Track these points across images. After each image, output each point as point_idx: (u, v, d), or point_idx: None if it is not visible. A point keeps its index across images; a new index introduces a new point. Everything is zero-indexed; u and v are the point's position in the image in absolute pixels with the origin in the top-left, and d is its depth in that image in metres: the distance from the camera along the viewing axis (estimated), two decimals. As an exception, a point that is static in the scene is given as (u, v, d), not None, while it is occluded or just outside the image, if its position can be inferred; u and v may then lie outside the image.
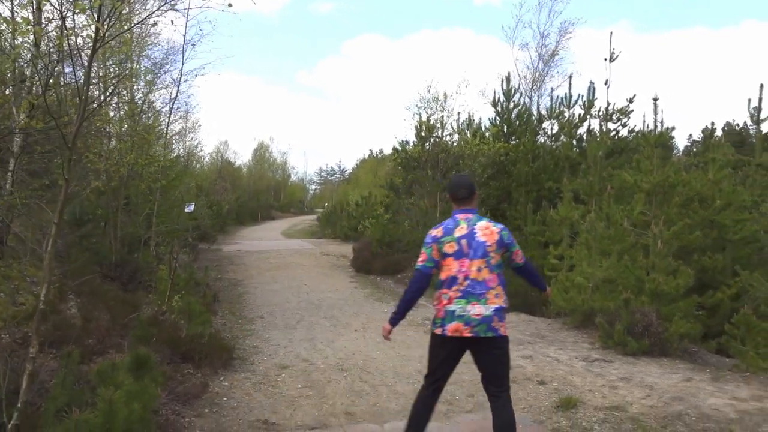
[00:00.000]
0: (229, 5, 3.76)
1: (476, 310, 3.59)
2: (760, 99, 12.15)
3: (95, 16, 3.44)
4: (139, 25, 9.30)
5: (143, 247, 11.31)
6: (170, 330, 6.32)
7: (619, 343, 7.18)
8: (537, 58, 21.94)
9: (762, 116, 12.14)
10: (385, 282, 13.27)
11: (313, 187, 78.48)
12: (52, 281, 7.06)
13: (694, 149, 27.49)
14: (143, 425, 3.38)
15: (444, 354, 3.75)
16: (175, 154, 17.69)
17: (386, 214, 18.18)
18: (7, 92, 7.40)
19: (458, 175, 4.08)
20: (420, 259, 3.75)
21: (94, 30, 3.37)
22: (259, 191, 47.34)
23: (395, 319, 3.82)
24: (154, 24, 11.05)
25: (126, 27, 7.17)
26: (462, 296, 3.61)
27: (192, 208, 15.62)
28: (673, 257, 7.86)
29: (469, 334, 3.58)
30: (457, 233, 3.69)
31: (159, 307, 7.55)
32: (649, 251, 7.89)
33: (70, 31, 4.23)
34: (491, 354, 3.67)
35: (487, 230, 3.72)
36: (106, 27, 3.41)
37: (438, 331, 3.68)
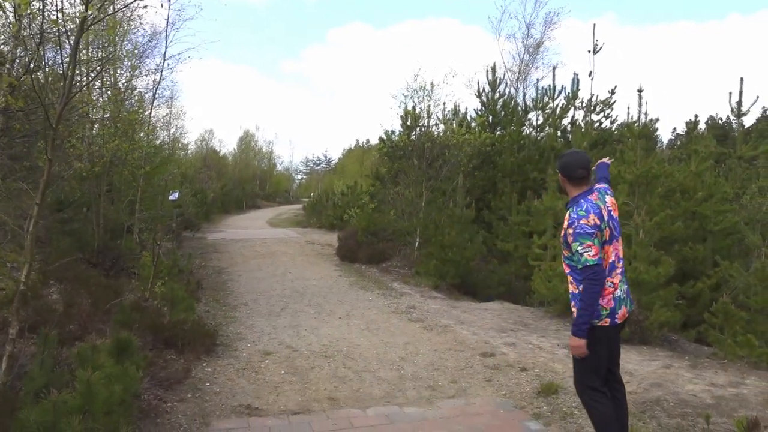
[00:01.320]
0: None
1: (626, 287, 3.53)
2: (741, 93, 12.29)
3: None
4: (128, 8, 9.16)
5: (126, 234, 11.22)
6: (153, 316, 6.29)
7: (600, 331, 7.24)
8: (523, 48, 21.98)
9: (743, 110, 12.29)
10: (370, 270, 13.28)
11: (299, 176, 78.28)
12: (35, 266, 6.99)
13: (678, 142, 27.77)
14: (124, 408, 3.36)
15: (609, 345, 3.50)
16: (159, 141, 17.53)
17: (372, 204, 18.17)
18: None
19: (573, 152, 3.64)
20: (592, 253, 3.30)
21: (81, 11, 3.32)
22: (244, 180, 47.05)
23: (585, 328, 3.34)
24: (145, 7, 10.86)
25: (114, 9, 7.08)
26: (621, 279, 3.48)
27: (176, 195, 15.48)
28: (655, 247, 7.94)
29: (628, 314, 3.50)
30: (605, 216, 3.42)
31: (142, 293, 7.51)
32: (632, 241, 7.96)
33: (54, 13, 4.17)
34: (622, 329, 3.59)
35: (614, 204, 3.56)
36: (95, 8, 3.36)
37: (606, 322, 3.39)
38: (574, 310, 3.49)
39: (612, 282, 3.42)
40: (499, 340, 7.30)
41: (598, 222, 3.35)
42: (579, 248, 3.33)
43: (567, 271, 3.59)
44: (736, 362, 6.41)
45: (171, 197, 14.76)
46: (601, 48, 12.71)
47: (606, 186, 3.67)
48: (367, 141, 55.58)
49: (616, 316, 3.41)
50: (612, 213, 3.49)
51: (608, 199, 3.54)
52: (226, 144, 72.63)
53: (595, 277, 3.29)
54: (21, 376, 3.67)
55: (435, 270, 11.83)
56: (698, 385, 5.53)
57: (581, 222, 3.34)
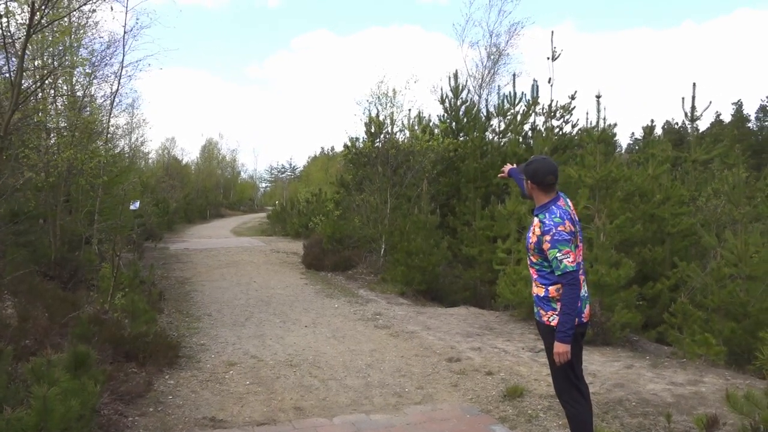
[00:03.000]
0: None
1: (586, 287, 3.60)
2: (693, 97, 12.68)
3: (29, 2, 3.30)
4: (77, 11, 8.95)
5: (85, 245, 10.94)
6: (113, 329, 6.12)
7: (564, 333, 7.33)
8: (486, 56, 22.21)
9: (696, 114, 12.65)
10: (336, 278, 13.23)
11: (264, 184, 77.61)
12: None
13: (636, 147, 28.42)
14: (82, 424, 3.26)
15: (578, 345, 3.56)
16: (119, 150, 17.17)
17: (337, 211, 18.12)
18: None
19: (540, 158, 3.64)
20: (570, 259, 3.36)
21: (28, 14, 3.23)
22: (207, 189, 46.46)
23: (571, 333, 3.37)
24: (93, 11, 10.59)
25: (63, 13, 6.91)
26: (584, 280, 3.58)
27: (137, 205, 15.17)
28: (616, 249, 8.09)
29: (590, 315, 3.56)
30: (574, 220, 3.53)
31: (101, 305, 7.31)
32: (593, 244, 8.10)
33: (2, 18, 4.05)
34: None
35: (574, 208, 3.65)
36: (43, 12, 3.27)
37: (575, 322, 3.44)
38: (542, 312, 3.57)
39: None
40: (465, 344, 7.33)
41: (573, 228, 3.45)
42: (558, 255, 3.38)
43: (534, 276, 3.64)
44: (695, 361, 6.57)
45: (132, 207, 14.45)
46: (559, 55, 12.96)
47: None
48: (332, 148, 55.55)
49: (583, 315, 3.52)
50: (575, 217, 3.60)
51: (570, 203, 3.64)
52: (189, 152, 71.60)
53: (574, 282, 3.36)
54: (-28, 394, 3.53)
55: (401, 276, 11.84)
56: (659, 385, 5.64)
57: (559, 229, 3.39)
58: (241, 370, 6.16)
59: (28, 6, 3.02)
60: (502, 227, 11.71)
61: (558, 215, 3.44)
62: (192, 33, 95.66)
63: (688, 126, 14.05)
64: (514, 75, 16.19)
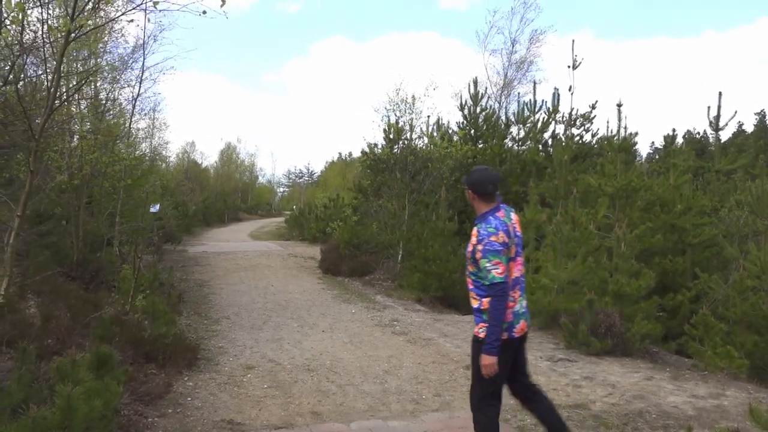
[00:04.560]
0: (204, 12, 3.66)
1: (525, 302, 3.64)
2: (719, 107, 12.53)
3: (68, 10, 3.36)
4: (114, 21, 9.11)
5: (106, 247, 11.08)
6: (133, 330, 6.20)
7: (582, 343, 7.29)
8: (507, 63, 22.23)
9: (721, 124, 12.51)
10: (353, 283, 13.24)
11: (282, 189, 77.98)
12: (12, 280, 6.87)
13: (656, 156, 28.17)
14: (104, 423, 3.30)
15: (508, 358, 3.55)
16: (140, 153, 17.37)
17: (354, 216, 18.16)
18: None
19: (481, 168, 3.68)
20: (499, 270, 3.35)
21: (66, 23, 3.29)
22: (226, 193, 46.77)
23: (496, 345, 3.39)
24: (131, 21, 10.87)
25: (101, 22, 7.03)
26: (521, 294, 3.59)
27: (157, 208, 15.36)
28: (636, 259, 8.02)
29: (527, 329, 3.61)
30: (512, 233, 3.52)
31: (122, 306, 7.40)
32: (613, 254, 8.04)
33: (36, 24, 4.13)
34: (524, 345, 3.70)
35: (518, 222, 3.67)
36: (81, 21, 3.33)
37: (504, 336, 3.44)
38: (475, 324, 3.60)
39: (513, 297, 3.50)
40: (483, 352, 7.29)
41: (506, 239, 3.44)
42: (487, 265, 3.38)
43: (470, 286, 3.64)
44: (717, 374, 6.48)
45: (152, 210, 14.63)
46: (580, 63, 12.90)
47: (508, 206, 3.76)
48: (350, 154, 55.70)
49: (514, 330, 3.52)
50: (516, 230, 3.59)
51: (513, 216, 3.64)
52: (208, 156, 72.06)
53: (501, 294, 3.36)
54: (-3, 392, 3.59)
55: (418, 283, 11.83)
56: (680, 397, 5.57)
57: (491, 239, 3.40)
58: (258, 373, 6.19)
59: (68, 15, 3.08)
60: (520, 235, 11.65)
61: (493, 225, 3.45)
62: (211, 38, 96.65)
63: (711, 135, 13.91)
64: (534, 83, 16.19)
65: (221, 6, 3.15)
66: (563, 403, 5.30)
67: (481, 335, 3.49)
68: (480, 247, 3.43)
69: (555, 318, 8.45)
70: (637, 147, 14.07)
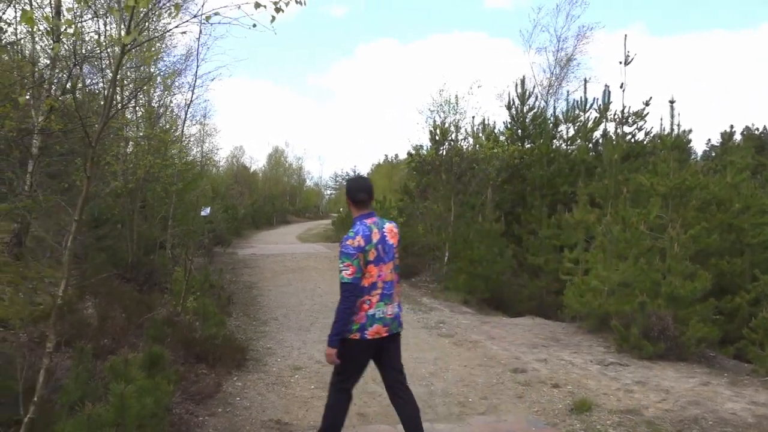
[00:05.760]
0: (254, 26, 3.72)
1: (390, 310, 3.77)
2: (780, 102, 11.97)
3: (125, 21, 3.48)
4: (169, 33, 9.41)
5: (159, 250, 11.40)
6: (185, 330, 6.36)
7: (634, 346, 7.10)
8: (554, 61, 21.83)
9: (781, 119, 11.98)
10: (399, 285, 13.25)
11: (329, 191, 78.57)
12: (71, 282, 7.15)
13: (713, 154, 27.22)
14: (156, 421, 3.40)
15: (362, 357, 3.80)
16: (191, 158, 17.81)
17: (400, 218, 18.18)
18: (27, 96, 7.52)
19: (357, 178, 4.10)
20: (348, 272, 3.57)
21: (123, 35, 3.40)
22: (274, 196, 47.50)
23: (336, 339, 3.63)
24: (184, 32, 11.23)
25: (156, 34, 7.27)
26: (380, 299, 3.71)
27: (208, 211, 15.68)
28: (691, 261, 7.77)
29: (386, 334, 3.74)
30: (374, 239, 3.69)
31: (174, 308, 7.60)
32: (666, 255, 7.80)
33: (94, 35, 4.28)
34: (396, 347, 3.91)
35: (392, 232, 3.84)
36: (136, 33, 3.44)
37: (356, 336, 3.65)
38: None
39: (369, 300, 3.66)
40: (531, 355, 7.20)
41: (363, 244, 3.62)
42: (340, 266, 3.61)
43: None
44: (778, 380, 6.21)
45: (203, 213, 14.96)
46: (632, 59, 12.57)
47: (392, 222, 3.96)
48: (396, 156, 55.64)
49: (366, 332, 3.66)
50: (386, 238, 3.77)
51: (387, 226, 3.83)
52: (257, 160, 73.39)
53: (346, 293, 3.57)
54: (57, 389, 3.73)
55: (464, 285, 11.75)
56: (738, 404, 5.36)
57: (347, 243, 3.62)
58: (306, 374, 6.26)
59: (123, 27, 3.20)
60: (569, 236, 11.46)
61: (354, 231, 3.67)
62: (259, 44, 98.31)
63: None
64: (585, 80, 15.87)
65: (271, 22, 3.20)
66: (614, 408, 5.18)
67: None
68: (340, 249, 3.68)
69: (605, 321, 8.26)
70: (691, 144, 13.59)
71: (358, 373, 3.88)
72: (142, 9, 3.03)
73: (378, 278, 3.68)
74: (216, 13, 3.05)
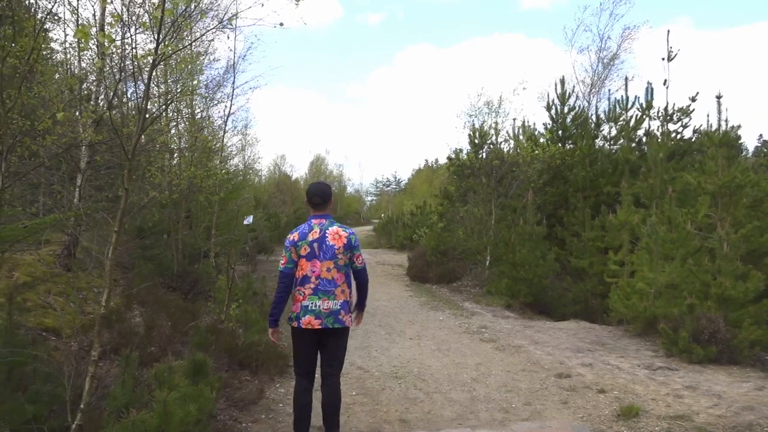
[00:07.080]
0: (281, 24, 3.81)
1: (326, 305, 4.09)
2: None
3: (155, 35, 3.57)
4: (197, 42, 9.62)
5: (203, 258, 11.62)
6: (228, 338, 6.45)
7: (683, 350, 6.89)
8: (596, 61, 21.41)
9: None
10: (441, 290, 13.19)
11: (370, 198, 79.00)
12: (118, 291, 7.35)
13: (765, 150, 26.25)
14: (200, 428, 3.45)
15: (301, 344, 4.22)
16: (233, 168, 18.12)
17: (441, 223, 18.09)
18: (76, 113, 7.78)
19: (315, 183, 4.48)
20: (282, 261, 4.13)
21: (151, 49, 3.49)
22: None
23: (272, 320, 4.25)
24: (212, 40, 11.42)
25: (184, 45, 7.45)
26: (314, 293, 4.08)
27: (250, 220, 15.89)
28: (742, 261, 7.49)
29: (319, 326, 4.08)
30: (311, 237, 4.10)
31: (218, 315, 7.73)
32: (715, 255, 7.55)
33: (132, 50, 4.41)
34: (336, 342, 4.24)
35: (336, 235, 4.15)
36: (165, 44, 3.53)
37: (294, 324, 4.14)
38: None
39: (302, 291, 4.09)
40: (575, 360, 7.05)
41: (296, 239, 4.11)
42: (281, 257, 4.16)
43: None
44: (839, 384, 5.92)
45: (245, 222, 15.18)
46: (675, 55, 12.24)
47: (345, 228, 4.26)
48: (436, 161, 55.60)
49: (301, 320, 4.10)
50: (326, 239, 4.11)
51: (333, 228, 4.16)
52: (298, 168, 74.40)
53: (280, 280, 4.12)
54: (104, 396, 3.83)
55: (506, 289, 11.61)
56: (796, 409, 5.14)
57: (288, 237, 4.17)
58: (347, 380, 6.26)
59: (154, 39, 3.29)
60: (613, 238, 11.20)
61: (298, 227, 4.21)
62: (297, 53, 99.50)
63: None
64: (626, 78, 15.50)
65: (296, 7, 3.25)
66: (663, 414, 5.03)
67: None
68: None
69: (652, 324, 8.04)
70: (741, 141, 13.10)
71: (303, 359, 4.27)
72: (168, 19, 3.11)
73: (312, 273, 4.07)
74: (236, 16, 3.11)
